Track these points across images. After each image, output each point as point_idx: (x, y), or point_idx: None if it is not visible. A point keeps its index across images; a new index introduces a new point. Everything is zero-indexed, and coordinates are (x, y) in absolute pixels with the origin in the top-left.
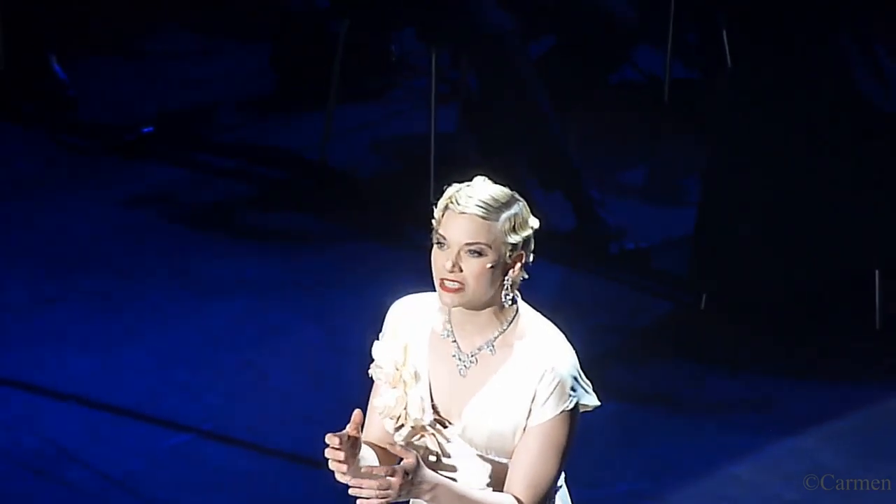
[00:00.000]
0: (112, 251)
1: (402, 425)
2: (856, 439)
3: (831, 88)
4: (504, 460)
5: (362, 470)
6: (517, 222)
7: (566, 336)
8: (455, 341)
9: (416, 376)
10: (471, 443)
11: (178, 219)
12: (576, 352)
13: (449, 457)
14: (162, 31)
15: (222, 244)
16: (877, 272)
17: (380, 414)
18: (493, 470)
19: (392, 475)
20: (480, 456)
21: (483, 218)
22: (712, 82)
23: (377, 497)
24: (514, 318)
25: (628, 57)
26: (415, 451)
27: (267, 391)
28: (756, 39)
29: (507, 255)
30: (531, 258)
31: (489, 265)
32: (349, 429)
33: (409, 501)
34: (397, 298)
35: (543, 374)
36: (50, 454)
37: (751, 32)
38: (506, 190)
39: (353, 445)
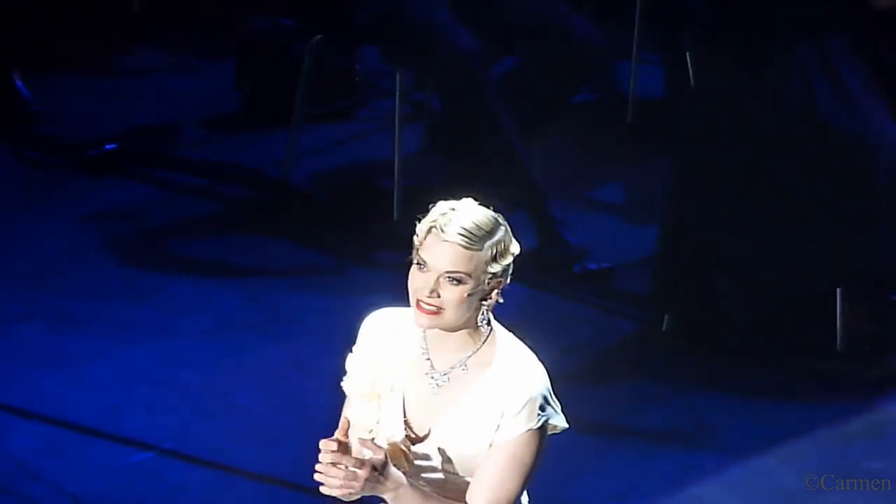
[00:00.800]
0: (74, 268)
1: (374, 439)
2: (817, 460)
3: (794, 108)
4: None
5: (330, 459)
6: (499, 250)
7: None
8: (429, 359)
9: (390, 391)
10: (441, 459)
11: (140, 236)
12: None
13: (418, 472)
14: (126, 48)
15: (184, 262)
16: (838, 292)
17: (352, 427)
18: (461, 487)
19: (360, 467)
20: (449, 473)
21: (466, 248)
22: (676, 102)
23: (342, 487)
24: (487, 338)
25: (592, 77)
26: (384, 449)
27: (229, 410)
28: (720, 60)
29: (487, 282)
30: (508, 281)
31: (468, 293)
32: (338, 434)
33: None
34: (362, 317)
35: (514, 392)
36: (11, 471)
37: (714, 53)
38: (490, 214)
39: (343, 452)
